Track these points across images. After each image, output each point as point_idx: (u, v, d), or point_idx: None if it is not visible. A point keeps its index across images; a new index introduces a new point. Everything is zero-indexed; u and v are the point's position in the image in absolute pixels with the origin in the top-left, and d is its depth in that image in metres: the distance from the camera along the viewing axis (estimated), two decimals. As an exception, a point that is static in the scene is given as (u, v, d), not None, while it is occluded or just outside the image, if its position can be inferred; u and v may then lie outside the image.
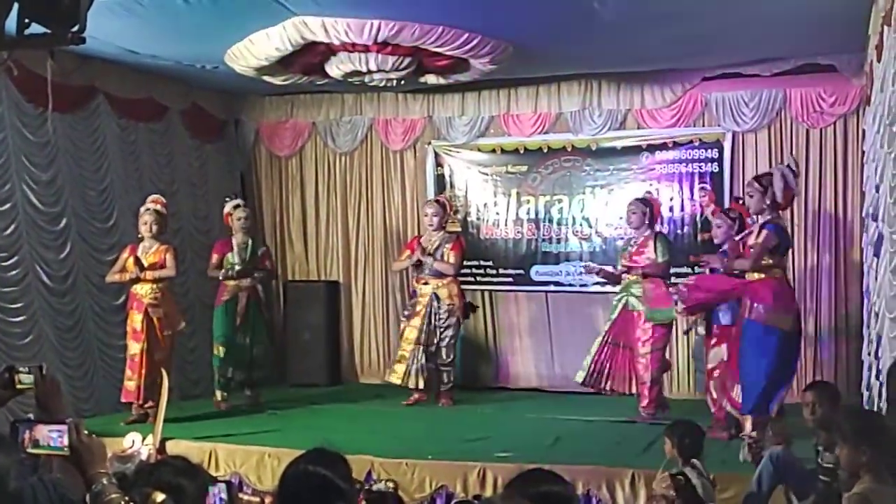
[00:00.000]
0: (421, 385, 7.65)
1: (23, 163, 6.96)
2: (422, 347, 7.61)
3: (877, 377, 5.12)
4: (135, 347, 6.90)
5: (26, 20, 3.32)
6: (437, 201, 7.99)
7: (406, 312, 7.87)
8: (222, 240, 7.79)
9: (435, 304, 7.64)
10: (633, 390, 7.03)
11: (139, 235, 7.11)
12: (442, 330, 7.67)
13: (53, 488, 2.34)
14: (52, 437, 2.32)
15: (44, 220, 7.13)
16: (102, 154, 7.69)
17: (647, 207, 7.02)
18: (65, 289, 7.25)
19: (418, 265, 7.78)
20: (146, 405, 6.85)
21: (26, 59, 6.06)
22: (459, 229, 8.69)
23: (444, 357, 7.70)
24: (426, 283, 7.70)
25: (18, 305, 6.86)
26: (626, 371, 7.02)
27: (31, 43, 3.43)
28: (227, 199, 7.94)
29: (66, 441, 2.31)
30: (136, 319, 6.92)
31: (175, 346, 7.25)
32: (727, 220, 6.54)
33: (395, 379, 7.69)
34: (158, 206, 7.13)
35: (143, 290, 6.96)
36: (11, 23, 3.42)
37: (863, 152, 6.93)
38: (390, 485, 5.44)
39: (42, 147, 7.11)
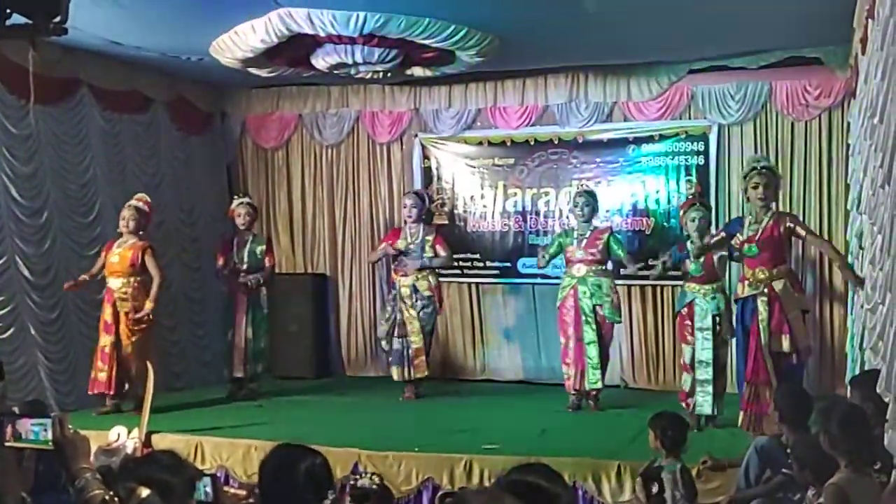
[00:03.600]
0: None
1: (4, 155, 6.89)
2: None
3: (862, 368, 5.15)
4: (105, 339, 6.96)
5: (7, 10, 3.28)
6: (415, 193, 7.95)
7: (391, 306, 7.78)
8: (224, 239, 7.73)
9: (414, 295, 7.61)
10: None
11: (118, 231, 7.11)
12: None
13: None
14: (35, 430, 2.29)
15: (25, 213, 7.06)
16: (86, 147, 7.62)
17: (596, 202, 7.23)
18: (46, 283, 7.19)
19: (397, 257, 7.72)
20: (118, 396, 6.94)
21: (8, 49, 6.02)
22: (447, 222, 8.68)
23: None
24: (405, 275, 7.66)
25: (0, 299, 6.81)
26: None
27: (13, 33, 3.39)
28: (235, 196, 7.91)
29: (49, 435, 2.28)
30: (107, 312, 6.99)
31: (150, 335, 7.16)
32: (705, 210, 6.65)
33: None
34: (140, 204, 7.16)
35: (115, 284, 7.00)
36: (-8, 13, 3.37)
37: (848, 145, 6.95)
38: (375, 479, 5.40)
39: (24, 140, 7.03)
